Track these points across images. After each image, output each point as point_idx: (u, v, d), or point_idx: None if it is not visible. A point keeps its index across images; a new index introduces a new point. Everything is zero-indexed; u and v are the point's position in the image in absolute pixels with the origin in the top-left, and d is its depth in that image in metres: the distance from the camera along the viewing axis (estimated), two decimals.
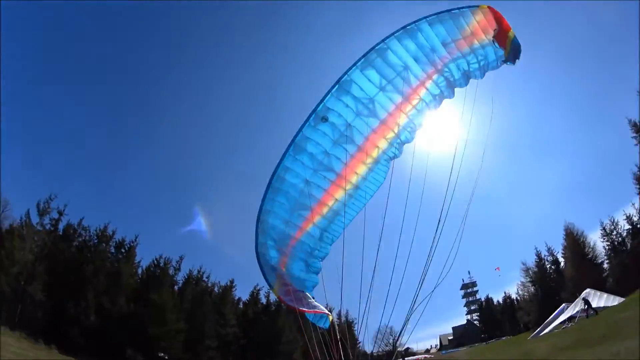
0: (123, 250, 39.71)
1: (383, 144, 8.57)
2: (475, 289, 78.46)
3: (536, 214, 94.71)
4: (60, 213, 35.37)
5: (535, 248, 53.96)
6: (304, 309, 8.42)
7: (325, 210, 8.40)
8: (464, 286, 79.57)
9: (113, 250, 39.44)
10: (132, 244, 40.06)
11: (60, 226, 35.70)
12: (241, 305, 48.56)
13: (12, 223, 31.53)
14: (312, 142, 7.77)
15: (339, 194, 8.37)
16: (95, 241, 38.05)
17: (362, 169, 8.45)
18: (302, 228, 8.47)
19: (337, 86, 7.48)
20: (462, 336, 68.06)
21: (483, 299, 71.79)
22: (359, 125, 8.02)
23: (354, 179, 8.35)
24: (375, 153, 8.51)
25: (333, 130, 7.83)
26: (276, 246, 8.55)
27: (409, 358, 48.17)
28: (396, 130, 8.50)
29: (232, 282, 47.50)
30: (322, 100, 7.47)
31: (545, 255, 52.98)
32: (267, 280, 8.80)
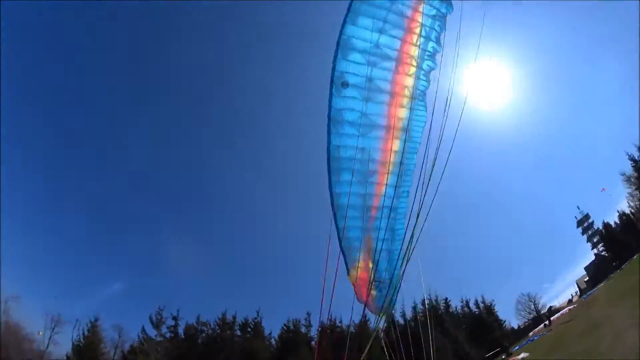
0: (250, 329, 40.24)
1: (409, 81, 8.44)
2: (590, 220, 72.81)
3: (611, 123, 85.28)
4: (176, 319, 37.59)
5: (627, 153, 50.16)
6: (370, 308, 8.72)
7: (390, 166, 8.32)
8: (579, 222, 74.20)
9: (239, 333, 40.06)
10: (256, 320, 40.61)
11: (180, 330, 37.80)
12: None
13: (131, 344, 34.04)
14: (346, 110, 7.83)
15: (395, 145, 8.28)
16: (219, 331, 39.11)
17: (402, 112, 8.34)
18: (377, 194, 8.43)
19: (338, 49, 7.57)
20: (595, 273, 62.67)
21: (601, 227, 66.45)
22: (379, 74, 8.00)
23: (400, 124, 8.26)
24: (407, 92, 8.39)
25: (358, 90, 7.86)
26: (358, 225, 8.59)
27: (555, 315, 45.99)
28: (414, 63, 8.39)
29: None
30: (333, 68, 7.57)
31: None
32: (346, 264, 8.90)
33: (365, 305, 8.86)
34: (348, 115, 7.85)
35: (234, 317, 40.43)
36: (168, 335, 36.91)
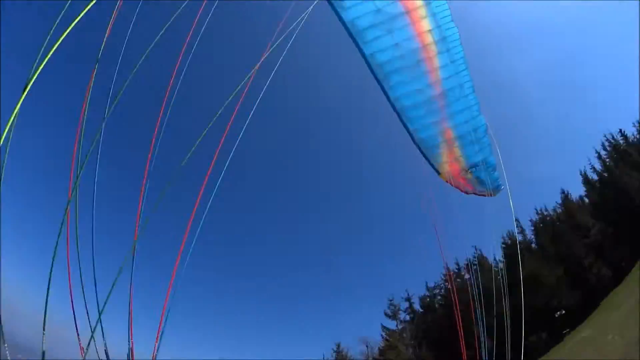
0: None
1: None
2: None
3: None
4: (409, 299, 37.29)
5: None
6: (471, 191, 8.76)
7: (433, 48, 7.75)
8: None
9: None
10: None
11: (416, 306, 37.44)
12: None
13: (378, 347, 34.07)
14: (361, 17, 7.35)
15: (424, 25, 7.60)
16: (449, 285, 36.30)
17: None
18: (435, 81, 7.96)
19: None
20: None
21: None
22: None
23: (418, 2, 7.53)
24: None
25: None
26: (429, 121, 8.24)
27: None
28: None
29: None
30: None
31: None
32: (433, 166, 8.67)
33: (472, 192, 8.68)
34: (365, 21, 7.38)
35: (458, 264, 37.85)
36: (408, 318, 36.54)
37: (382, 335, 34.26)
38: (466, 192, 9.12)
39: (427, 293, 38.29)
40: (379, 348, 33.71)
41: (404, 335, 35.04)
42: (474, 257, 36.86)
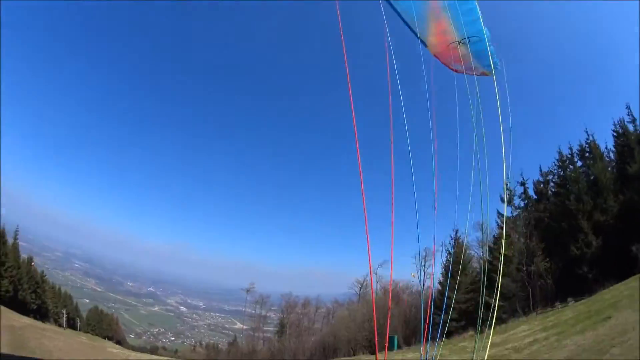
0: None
1: None
2: None
3: None
4: (523, 183, 35.43)
5: None
6: (462, 68, 7.69)
7: None
8: None
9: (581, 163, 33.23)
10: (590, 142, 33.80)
11: (530, 192, 35.81)
12: None
13: (493, 235, 32.24)
14: None
15: None
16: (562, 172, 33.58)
17: None
18: None
19: None
20: None
21: None
22: None
23: None
24: None
25: None
26: None
27: None
28: None
29: None
30: None
31: None
32: (421, 40, 8.02)
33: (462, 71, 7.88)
34: None
35: (571, 149, 34.79)
36: (522, 204, 35.02)
37: (497, 221, 32.00)
38: (456, 71, 8.32)
39: (541, 178, 35.10)
40: (493, 236, 32.04)
41: (517, 223, 33.61)
42: (586, 143, 33.03)
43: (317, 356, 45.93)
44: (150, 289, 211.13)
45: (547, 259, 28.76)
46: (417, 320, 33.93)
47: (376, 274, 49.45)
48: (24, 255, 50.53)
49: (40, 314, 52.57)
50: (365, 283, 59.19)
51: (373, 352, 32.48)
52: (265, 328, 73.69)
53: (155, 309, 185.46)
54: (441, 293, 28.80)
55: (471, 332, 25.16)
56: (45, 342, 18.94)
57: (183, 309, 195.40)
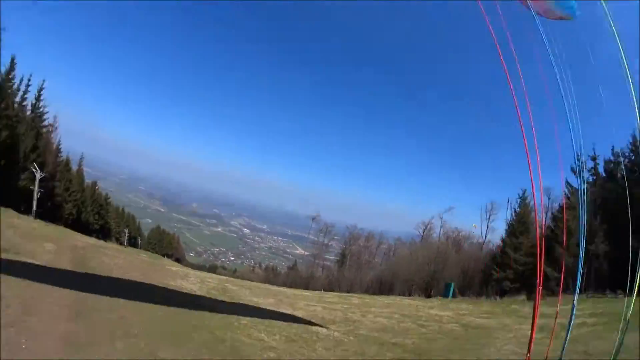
0: None
1: None
2: None
3: None
4: (594, 158, 30.95)
5: None
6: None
7: None
8: None
9: None
10: None
11: (600, 168, 31.37)
12: None
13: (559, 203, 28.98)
14: None
15: None
16: None
17: None
18: None
19: None
20: None
21: None
22: None
23: None
24: None
25: None
26: None
27: None
28: None
29: None
30: None
31: None
32: None
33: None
34: None
35: None
36: (591, 179, 32.31)
37: (564, 191, 28.98)
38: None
39: (612, 158, 31.84)
40: (559, 204, 31.00)
41: (583, 197, 27.66)
42: None
43: (372, 290, 44.44)
44: (215, 210, 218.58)
45: (607, 243, 27.03)
46: (475, 271, 34.77)
47: (441, 218, 53.74)
48: (88, 181, 50.86)
49: (103, 233, 53.14)
50: (429, 226, 57.77)
51: (428, 295, 32.97)
52: (326, 256, 73.71)
53: (219, 229, 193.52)
54: (502, 251, 29.38)
55: (522, 297, 24.51)
56: (105, 259, 18.07)
57: (246, 230, 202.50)
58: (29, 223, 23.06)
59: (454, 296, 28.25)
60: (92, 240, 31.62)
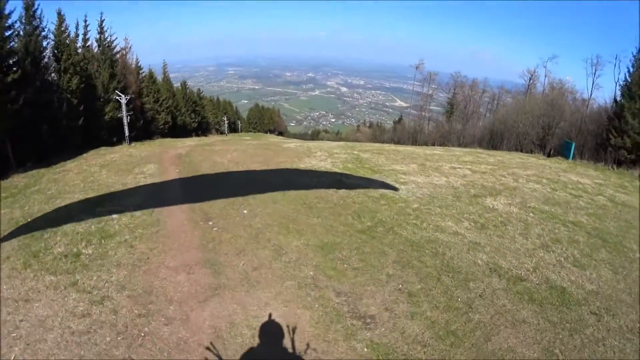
0: None
1: None
2: None
3: None
4: None
5: None
6: None
7: None
8: None
9: None
10: None
11: None
12: None
13: None
14: None
15: None
16: None
17: None
18: None
19: None
20: None
21: None
22: None
23: None
24: None
25: None
26: None
27: None
28: None
29: None
30: None
31: None
32: None
33: None
34: None
35: None
36: None
37: None
38: None
39: None
40: None
41: None
42: None
43: (485, 143, 42.58)
44: (310, 74, 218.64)
45: None
46: (586, 132, 30.55)
47: (545, 67, 51.98)
48: (176, 84, 51.20)
49: (202, 129, 55.70)
50: (535, 75, 52.70)
51: (548, 154, 29.46)
52: (430, 107, 67.10)
53: (316, 93, 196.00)
54: (616, 114, 25.09)
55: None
56: (216, 158, 18.32)
57: (344, 89, 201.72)
58: (125, 150, 24.42)
59: (573, 158, 25.38)
60: (193, 142, 32.86)
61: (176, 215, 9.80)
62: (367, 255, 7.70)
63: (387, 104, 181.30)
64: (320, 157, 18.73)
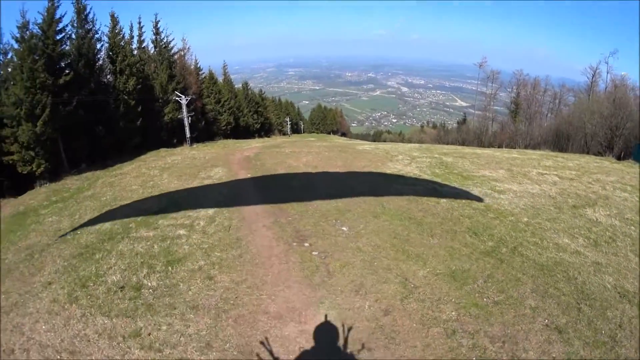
0: None
1: None
2: None
3: None
4: None
5: None
6: None
7: None
8: None
9: None
10: None
11: None
12: None
13: None
14: None
15: None
16: None
17: None
18: None
19: None
20: None
21: None
22: None
23: None
24: None
25: None
26: None
27: None
28: None
29: None
30: None
31: None
32: None
33: None
34: None
35: None
36: None
37: None
38: None
39: None
40: None
41: None
42: None
43: (550, 145, 39.36)
44: (370, 74, 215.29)
45: None
46: None
47: (607, 63, 46.92)
48: (237, 85, 50.87)
49: (265, 130, 55.27)
50: (598, 71, 48.67)
51: (619, 157, 26.26)
52: (493, 107, 62.48)
53: (376, 93, 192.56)
54: None
55: None
56: (290, 161, 16.88)
57: (404, 89, 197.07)
58: (187, 152, 23.38)
59: None
60: (257, 143, 31.94)
61: (260, 232, 7.70)
62: (503, 284, 6.43)
63: (448, 103, 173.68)
64: (403, 161, 17.09)
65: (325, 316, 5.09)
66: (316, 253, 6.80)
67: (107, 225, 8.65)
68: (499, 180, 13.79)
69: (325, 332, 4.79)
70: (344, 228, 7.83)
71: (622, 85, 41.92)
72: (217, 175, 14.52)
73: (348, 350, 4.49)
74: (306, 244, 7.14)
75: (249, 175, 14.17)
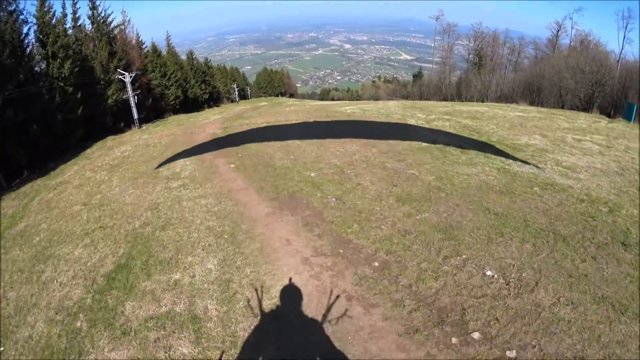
0: None
1: None
2: None
3: None
4: None
5: None
6: None
7: None
8: None
9: None
10: None
11: None
12: None
13: None
14: None
15: None
16: None
17: None
18: None
19: None
20: None
21: None
22: None
23: None
24: None
25: None
26: None
27: None
28: None
29: None
30: None
31: None
32: None
33: None
34: None
35: None
36: None
37: None
38: None
39: None
40: None
41: None
42: None
43: (520, 98, 40.33)
44: (312, 34, 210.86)
45: None
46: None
47: (571, 19, 48.57)
48: (182, 57, 47.75)
49: (213, 100, 53.16)
50: (562, 26, 50.01)
51: (608, 114, 27.05)
52: (452, 61, 64.96)
53: (319, 52, 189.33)
54: None
55: None
56: (289, 142, 14.27)
57: (347, 46, 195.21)
58: (137, 137, 21.12)
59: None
60: (212, 115, 30.79)
61: None
62: None
63: (392, 57, 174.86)
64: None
65: None
66: None
67: (40, 327, 5.33)
68: (548, 150, 11.64)
69: None
70: None
71: (587, 41, 43.78)
72: (186, 172, 11.20)
73: None
74: None
75: (241, 176, 10.33)
